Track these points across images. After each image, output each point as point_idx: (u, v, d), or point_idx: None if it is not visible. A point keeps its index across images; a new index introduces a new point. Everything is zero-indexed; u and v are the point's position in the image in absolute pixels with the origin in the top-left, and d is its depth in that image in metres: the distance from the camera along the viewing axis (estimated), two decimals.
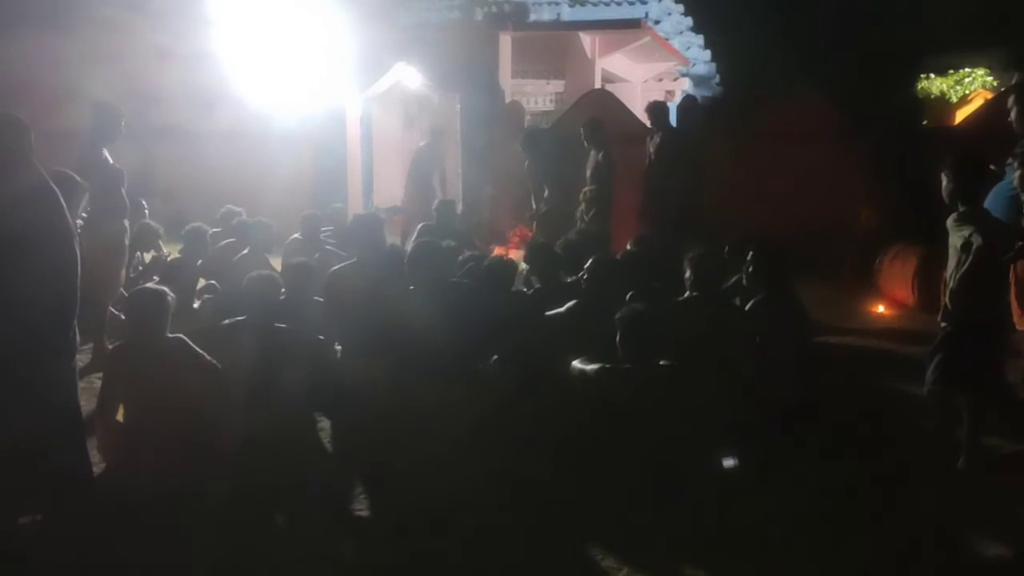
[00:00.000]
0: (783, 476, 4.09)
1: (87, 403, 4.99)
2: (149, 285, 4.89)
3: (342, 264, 5.62)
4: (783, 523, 3.76)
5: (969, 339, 4.23)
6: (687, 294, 4.98)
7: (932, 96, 20.77)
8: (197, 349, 4.28)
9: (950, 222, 4.28)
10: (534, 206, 9.04)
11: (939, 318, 4.35)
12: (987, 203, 4.79)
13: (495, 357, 4.90)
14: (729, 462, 4.19)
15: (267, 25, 11.43)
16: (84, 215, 5.63)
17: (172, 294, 4.26)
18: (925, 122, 12.35)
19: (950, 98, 20.75)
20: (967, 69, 21.40)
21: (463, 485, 4.03)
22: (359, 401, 4.72)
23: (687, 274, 4.95)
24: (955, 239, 4.24)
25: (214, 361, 4.29)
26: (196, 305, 6.43)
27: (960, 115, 14.86)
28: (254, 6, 11.29)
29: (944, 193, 4.32)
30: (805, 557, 3.54)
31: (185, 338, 4.28)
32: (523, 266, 6.30)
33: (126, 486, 3.94)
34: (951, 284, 4.24)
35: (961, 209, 4.24)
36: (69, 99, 7.55)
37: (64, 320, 3.50)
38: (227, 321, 4.75)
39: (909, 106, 9.57)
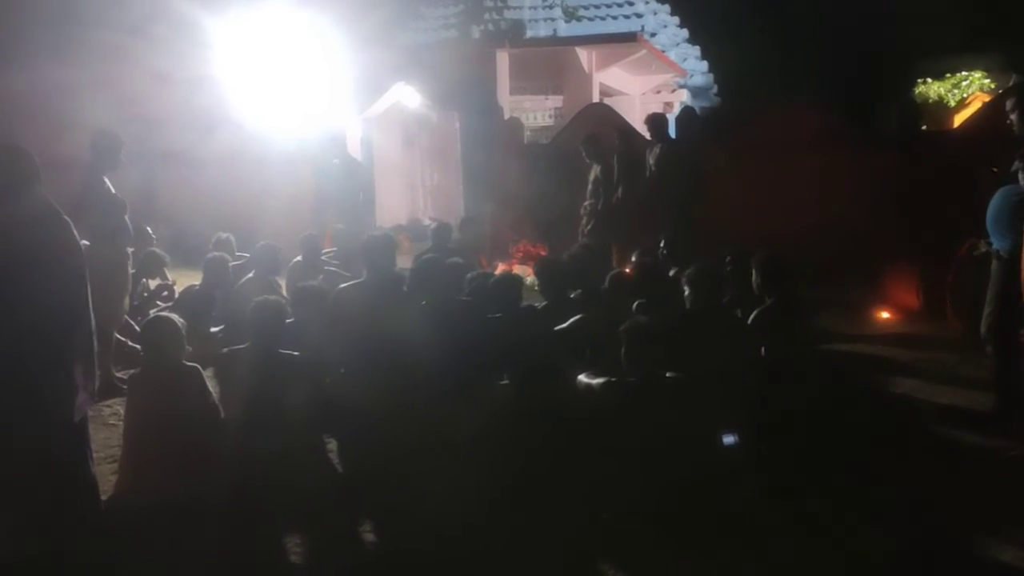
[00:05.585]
0: (790, 485, 4.07)
1: (94, 431, 5.01)
2: (163, 312, 4.92)
3: (348, 284, 5.60)
4: (789, 532, 3.74)
5: None
6: (689, 307, 4.98)
7: (930, 100, 20.78)
8: (208, 386, 4.34)
9: None
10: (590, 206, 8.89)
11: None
12: (992, 206, 4.80)
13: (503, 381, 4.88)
14: (730, 439, 4.18)
15: (266, 49, 11.50)
16: (86, 243, 5.65)
17: (183, 320, 4.31)
18: (924, 127, 12.36)
19: (948, 102, 20.76)
20: (964, 72, 21.42)
21: (470, 505, 4.02)
22: (364, 423, 4.71)
23: (686, 292, 4.95)
24: None
25: (216, 402, 4.35)
26: (213, 330, 6.45)
27: (958, 119, 14.87)
28: (253, 30, 11.37)
29: None
30: (810, 565, 3.53)
31: (200, 369, 4.33)
32: (529, 280, 6.29)
33: (131, 509, 3.96)
34: None
35: None
36: (71, 126, 7.58)
37: (71, 337, 3.53)
38: (226, 350, 4.77)
39: (908, 111, 9.55)
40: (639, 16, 16.88)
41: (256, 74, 11.57)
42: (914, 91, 21.29)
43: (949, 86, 21.48)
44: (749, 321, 4.90)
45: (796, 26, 23.57)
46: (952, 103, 20.48)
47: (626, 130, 9.46)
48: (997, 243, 4.79)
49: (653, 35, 16.59)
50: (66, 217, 3.60)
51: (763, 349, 4.86)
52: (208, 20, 11.13)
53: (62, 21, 12.25)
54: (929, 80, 21.83)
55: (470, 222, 9.14)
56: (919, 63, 21.73)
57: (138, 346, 6.43)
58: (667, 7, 18.39)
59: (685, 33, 18.45)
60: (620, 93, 17.10)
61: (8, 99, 10.24)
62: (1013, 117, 5.02)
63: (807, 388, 4.71)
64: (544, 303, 5.64)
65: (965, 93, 20.65)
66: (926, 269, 7.55)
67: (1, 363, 3.39)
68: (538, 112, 15.76)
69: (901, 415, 5.28)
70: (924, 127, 11.10)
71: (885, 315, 7.80)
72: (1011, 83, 14.26)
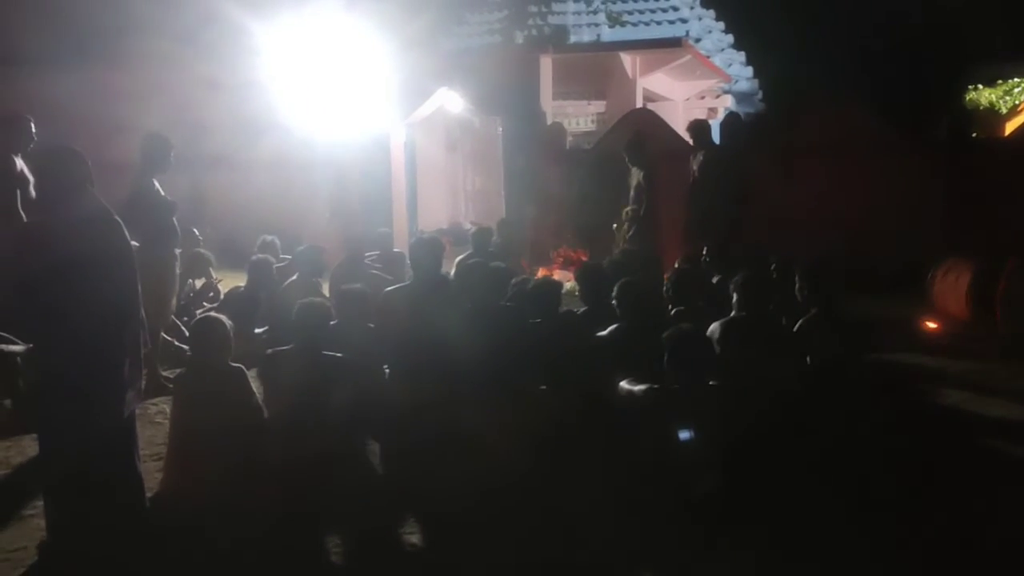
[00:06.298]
0: (833, 495, 4.01)
1: (140, 429, 5.10)
2: (211, 313, 5.00)
3: (394, 287, 5.64)
4: (830, 541, 3.69)
5: None
6: (734, 314, 4.93)
7: (981, 107, 20.34)
8: (251, 387, 4.42)
9: None
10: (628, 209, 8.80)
11: None
12: None
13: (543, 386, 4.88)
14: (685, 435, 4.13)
15: (312, 55, 11.65)
16: (136, 244, 5.77)
17: (230, 321, 4.39)
18: (975, 134, 12.11)
19: (999, 109, 20.31)
20: (1016, 79, 20.95)
21: (509, 506, 4.02)
22: (406, 424, 4.74)
23: (734, 297, 4.90)
24: None
25: (259, 402, 4.44)
26: (258, 331, 6.53)
27: (1010, 126, 14.57)
28: (299, 36, 11.52)
29: None
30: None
31: (244, 370, 4.41)
32: (568, 285, 6.27)
33: (175, 507, 4.02)
34: None
35: None
36: (123, 130, 7.76)
37: (122, 336, 3.61)
38: (271, 351, 4.83)
39: (959, 117, 9.39)
40: (684, 21, 16.78)
41: (302, 80, 11.72)
42: (964, 97, 20.87)
43: (1001, 93, 21.01)
44: (795, 329, 4.84)
45: (842, 31, 23.28)
46: (1004, 110, 20.04)
47: (645, 132, 9.33)
48: None
49: (698, 40, 16.48)
50: (118, 218, 3.69)
51: (808, 358, 4.80)
52: (256, 27, 11.31)
53: (114, 29, 12.50)
54: (980, 86, 21.40)
55: (507, 224, 9.16)
56: (970, 69, 21.31)
57: (184, 346, 6.58)
58: (712, 12, 18.26)
59: (730, 38, 18.31)
60: (664, 98, 17.00)
61: (62, 104, 10.46)
62: None
63: (853, 398, 4.64)
64: (584, 308, 5.62)
65: (1017, 100, 20.19)
66: (976, 279, 7.40)
67: (54, 360, 3.48)
68: (581, 117, 15.74)
69: (950, 427, 5.17)
70: (975, 134, 10.87)
71: (933, 325, 7.66)
72: None
